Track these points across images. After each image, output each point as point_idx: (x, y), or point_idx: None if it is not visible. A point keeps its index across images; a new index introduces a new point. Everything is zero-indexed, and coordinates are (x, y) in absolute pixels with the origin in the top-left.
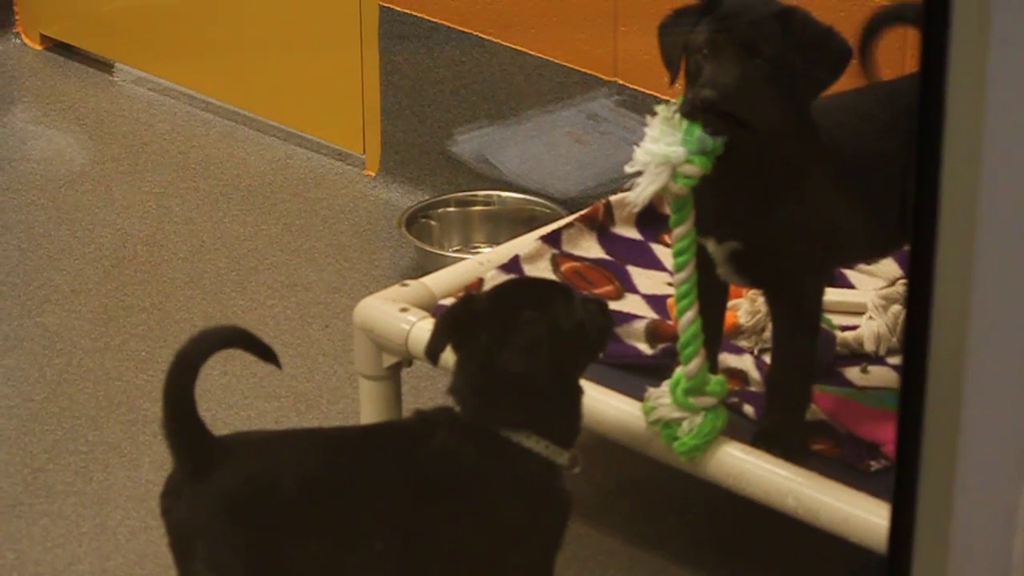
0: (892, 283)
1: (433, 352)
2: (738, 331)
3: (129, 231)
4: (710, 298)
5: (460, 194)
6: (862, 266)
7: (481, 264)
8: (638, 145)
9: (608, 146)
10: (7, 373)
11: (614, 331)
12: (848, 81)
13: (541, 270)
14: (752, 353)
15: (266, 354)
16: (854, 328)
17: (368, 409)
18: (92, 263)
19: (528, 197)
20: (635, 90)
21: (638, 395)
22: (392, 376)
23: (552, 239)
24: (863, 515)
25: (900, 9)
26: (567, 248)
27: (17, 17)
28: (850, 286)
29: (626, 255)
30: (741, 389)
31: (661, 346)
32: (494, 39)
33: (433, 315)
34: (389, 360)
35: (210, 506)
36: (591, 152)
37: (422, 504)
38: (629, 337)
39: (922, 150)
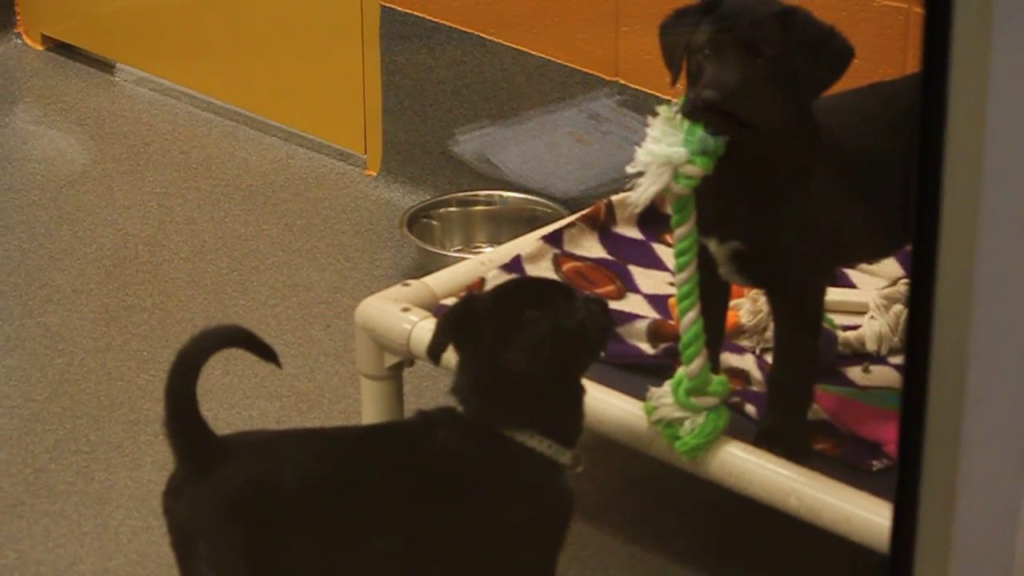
0: (894, 283)
1: (435, 352)
2: (740, 331)
3: (130, 231)
4: (712, 298)
5: (461, 194)
6: (864, 266)
7: (483, 264)
8: (639, 145)
9: (609, 146)
10: (9, 373)
11: (615, 331)
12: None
13: (543, 270)
14: (754, 353)
15: (267, 354)
16: (856, 328)
17: (370, 409)
18: (93, 263)
19: (529, 197)
20: (636, 90)
21: (640, 395)
22: (394, 376)
23: (554, 239)
24: (865, 514)
25: None
26: (568, 248)
27: (18, 17)
28: (852, 286)
29: (627, 255)
30: (743, 389)
31: (663, 346)
32: (495, 39)
33: (435, 315)
34: (391, 360)
35: (212, 505)
36: (592, 152)
37: (425, 504)
38: (631, 337)
39: (924, 150)
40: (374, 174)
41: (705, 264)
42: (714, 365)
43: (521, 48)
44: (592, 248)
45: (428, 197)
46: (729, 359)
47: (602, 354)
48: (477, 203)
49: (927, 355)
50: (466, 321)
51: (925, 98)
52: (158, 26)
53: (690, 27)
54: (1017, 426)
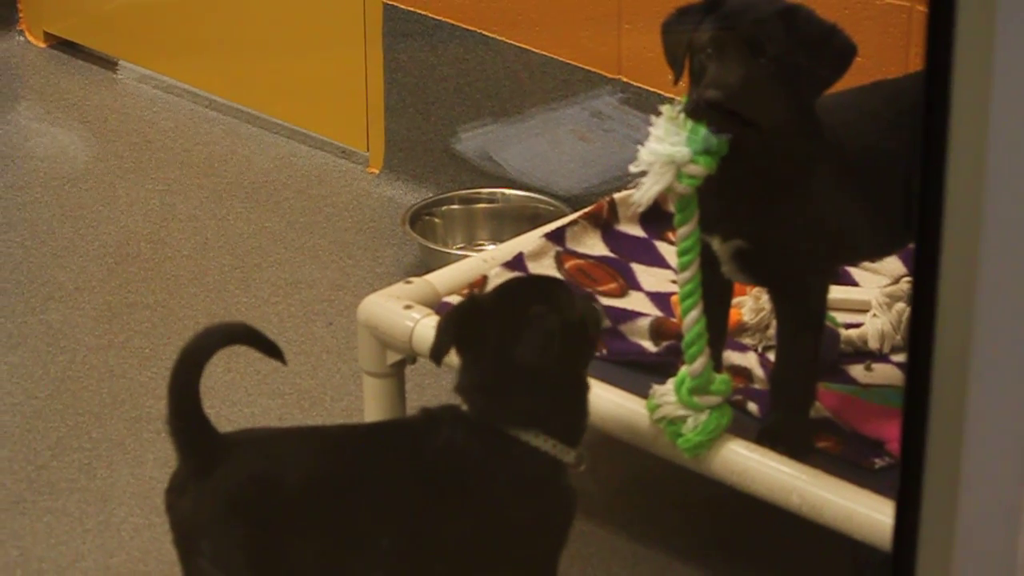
0: (896, 281)
1: (438, 354)
2: (742, 328)
3: (133, 228)
4: (714, 296)
5: (464, 191)
6: (866, 264)
7: (485, 262)
8: (642, 144)
9: (612, 144)
10: (11, 370)
11: (618, 329)
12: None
13: (545, 268)
14: (756, 351)
15: (271, 350)
16: (858, 326)
17: (372, 406)
18: (96, 260)
19: (532, 195)
20: (639, 88)
21: (642, 392)
22: (396, 373)
23: (556, 237)
24: (867, 512)
25: None
26: (571, 246)
27: (21, 15)
28: (854, 284)
29: (630, 253)
30: (745, 387)
31: (665, 343)
32: (498, 37)
33: (437, 312)
34: (393, 357)
35: (214, 503)
36: (595, 150)
37: (429, 502)
38: (633, 335)
39: (927, 148)
40: (376, 171)
41: (707, 262)
42: (716, 363)
43: (524, 46)
44: (594, 246)
45: (430, 195)
46: (731, 357)
47: (603, 351)
48: (479, 201)
49: (929, 353)
50: (469, 322)
51: (928, 96)
52: (161, 23)
53: (692, 26)
54: (1020, 424)
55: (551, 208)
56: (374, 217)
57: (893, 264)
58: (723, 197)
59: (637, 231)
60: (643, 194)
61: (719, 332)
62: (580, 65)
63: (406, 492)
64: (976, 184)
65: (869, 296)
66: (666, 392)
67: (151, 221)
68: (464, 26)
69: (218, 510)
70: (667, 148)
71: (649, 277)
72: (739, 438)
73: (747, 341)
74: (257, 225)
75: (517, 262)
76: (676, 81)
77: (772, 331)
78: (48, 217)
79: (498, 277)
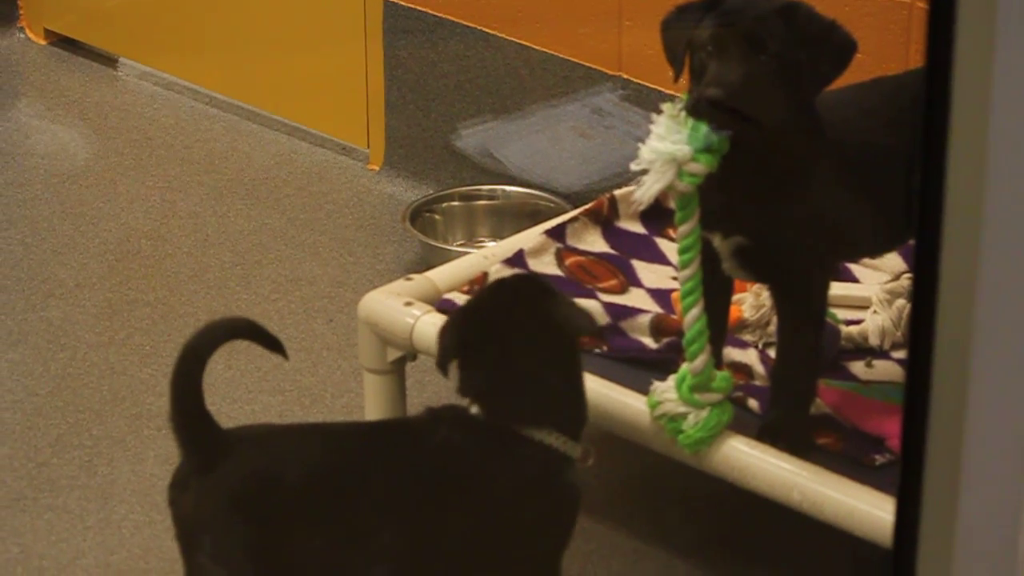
0: (897, 277)
1: (444, 363)
2: (743, 325)
3: (133, 226)
4: (714, 293)
5: (464, 188)
6: (867, 260)
7: (485, 258)
8: (643, 141)
9: (612, 141)
10: (12, 367)
11: (618, 325)
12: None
13: (545, 264)
14: (756, 347)
15: (274, 345)
16: (859, 322)
17: (372, 403)
18: (96, 258)
19: (532, 191)
20: (639, 85)
21: (642, 389)
22: (396, 370)
23: (556, 233)
24: (868, 509)
25: None
26: (571, 242)
27: (21, 12)
28: (854, 280)
29: (630, 249)
30: (746, 383)
31: (665, 340)
32: (498, 33)
33: (438, 309)
34: (393, 354)
35: (216, 499)
36: (595, 146)
37: (438, 501)
38: (633, 331)
39: (927, 144)
40: (377, 168)
41: (708, 259)
42: (717, 360)
43: (524, 43)
44: (595, 243)
45: (431, 191)
46: (732, 354)
47: (604, 347)
48: (480, 197)
49: (930, 349)
50: (469, 327)
51: (928, 93)
52: (161, 21)
53: (692, 23)
54: (1021, 420)
55: (551, 205)
56: (374, 214)
57: (893, 260)
58: (724, 194)
59: (638, 228)
60: (644, 192)
61: (719, 329)
62: (581, 62)
63: (413, 491)
64: (976, 180)
65: (870, 292)
66: (667, 389)
67: (151, 218)
68: (464, 23)
69: (220, 506)
70: (668, 146)
71: (650, 274)
72: (740, 434)
73: (748, 338)
74: (257, 222)
75: (517, 259)
76: (676, 79)
77: (773, 328)
78: (48, 214)
79: (498, 274)
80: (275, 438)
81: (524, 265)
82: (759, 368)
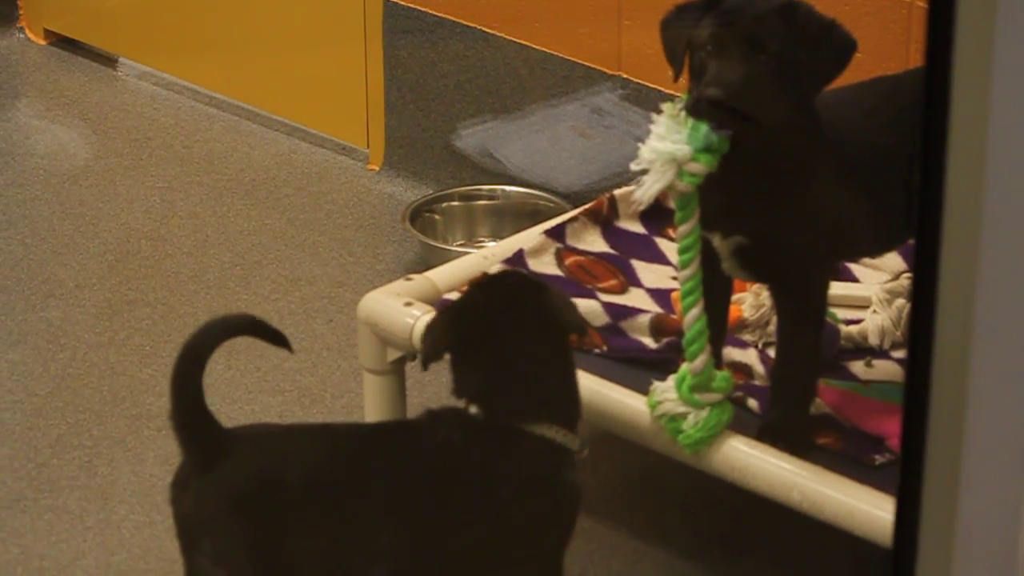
0: (896, 277)
1: (428, 361)
2: (742, 325)
3: (133, 226)
4: (714, 293)
5: (464, 188)
6: (866, 260)
7: (485, 258)
8: (643, 141)
9: (612, 140)
10: (11, 368)
11: (618, 325)
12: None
13: (545, 264)
14: (756, 347)
15: (276, 338)
16: (858, 322)
17: (372, 403)
18: (96, 258)
19: (532, 191)
20: (639, 84)
21: (643, 389)
22: (396, 370)
23: (556, 233)
24: (868, 509)
25: None
26: (571, 242)
27: (21, 12)
28: (854, 280)
29: (630, 249)
30: (745, 383)
31: (665, 340)
32: (498, 33)
33: (437, 310)
34: (393, 354)
35: (217, 499)
36: (595, 146)
37: (440, 502)
38: (633, 331)
39: (927, 144)
40: (376, 168)
41: (707, 259)
42: (717, 360)
43: (524, 42)
44: (595, 242)
45: (430, 191)
46: (732, 353)
47: (604, 347)
48: (479, 197)
49: (930, 349)
50: (461, 326)
51: (928, 92)
52: (161, 21)
53: (692, 23)
54: (1020, 420)
55: (551, 205)
56: (374, 214)
57: (893, 260)
58: (723, 194)
59: (637, 227)
60: (644, 192)
61: (719, 329)
62: (580, 61)
63: (415, 492)
64: (976, 180)
65: (869, 292)
66: (667, 389)
67: (151, 218)
68: (464, 22)
69: (220, 506)
70: (668, 146)
71: (649, 273)
72: (740, 434)
73: (747, 337)
74: (257, 222)
75: (517, 259)
76: (676, 78)
77: (772, 327)
78: (48, 214)
79: None
80: (276, 438)
81: (524, 265)
82: (759, 368)
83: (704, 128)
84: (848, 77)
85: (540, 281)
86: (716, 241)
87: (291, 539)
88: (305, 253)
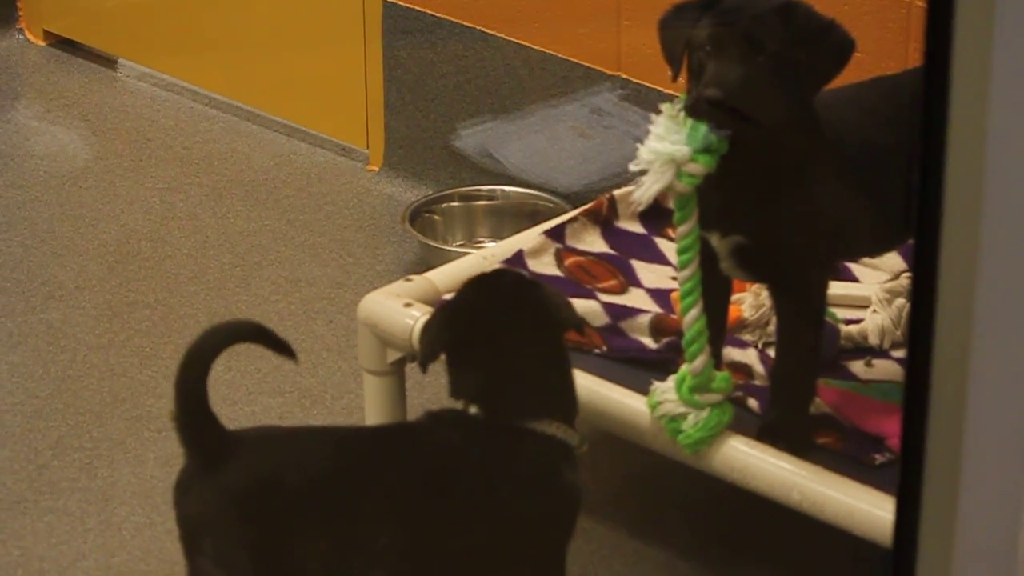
0: (896, 276)
1: (426, 362)
2: (742, 325)
3: (133, 227)
4: (713, 292)
5: (464, 189)
6: (866, 260)
7: (485, 259)
8: (642, 142)
9: (611, 140)
10: (11, 369)
11: (618, 325)
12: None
13: (545, 265)
14: (756, 347)
15: (280, 347)
16: (858, 322)
17: (372, 404)
18: (96, 259)
19: (532, 192)
20: (639, 84)
21: (642, 389)
22: (396, 371)
23: (556, 234)
24: (868, 509)
25: None
26: (571, 243)
27: (21, 13)
28: (854, 280)
29: (630, 249)
30: (745, 383)
31: (665, 340)
32: (497, 34)
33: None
34: (393, 355)
35: (219, 501)
36: (594, 146)
37: (444, 503)
38: (633, 331)
39: (926, 144)
40: (376, 169)
41: (707, 258)
42: (716, 360)
43: (523, 43)
44: (594, 243)
45: (430, 192)
46: (731, 353)
47: (603, 347)
48: (479, 198)
49: (929, 349)
50: (457, 326)
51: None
52: (160, 22)
53: (690, 22)
54: (1020, 419)
55: (551, 205)
56: (374, 215)
57: (893, 260)
58: (722, 193)
59: (637, 228)
60: (643, 193)
61: (719, 328)
62: (579, 62)
63: (418, 494)
64: (975, 180)
65: (869, 292)
66: (667, 389)
67: (151, 219)
68: (463, 23)
69: (224, 509)
70: (667, 147)
71: (649, 274)
72: (739, 434)
73: (747, 337)
74: (257, 223)
75: (517, 259)
76: (674, 79)
77: (772, 327)
78: (48, 216)
79: None
80: (279, 441)
81: (524, 266)
82: (759, 368)
83: (703, 129)
84: (848, 77)
85: (528, 277)
86: (715, 240)
87: (294, 542)
88: (305, 254)
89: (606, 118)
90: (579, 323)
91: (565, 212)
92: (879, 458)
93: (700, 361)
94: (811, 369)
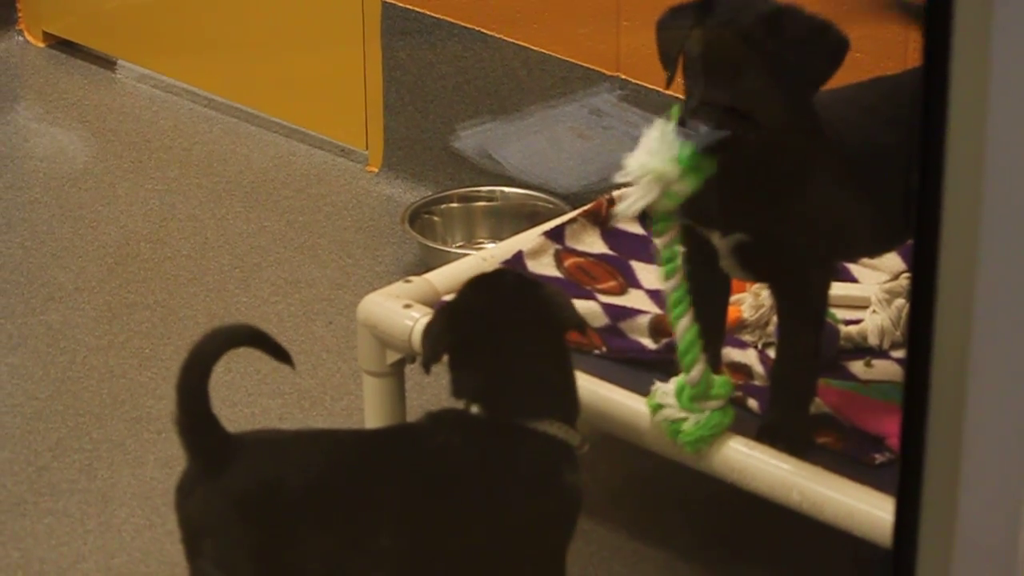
0: (896, 277)
1: (430, 363)
2: (742, 325)
3: (132, 228)
4: (713, 292)
5: (463, 190)
6: (865, 260)
7: (484, 260)
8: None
9: (611, 141)
10: (11, 371)
11: (617, 326)
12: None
13: (544, 266)
14: (756, 347)
15: (279, 353)
16: (858, 322)
17: (372, 406)
18: (95, 260)
19: (531, 192)
20: (638, 85)
21: (642, 390)
22: (396, 372)
23: (555, 234)
24: (868, 509)
25: None
26: (570, 243)
27: (20, 14)
28: (853, 280)
29: (629, 250)
30: (745, 384)
31: (664, 340)
32: (497, 34)
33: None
34: (393, 356)
35: (221, 505)
36: (594, 147)
37: (446, 504)
38: (632, 332)
39: (926, 144)
40: (375, 170)
41: (706, 258)
42: (716, 361)
43: (522, 43)
44: (594, 244)
45: (430, 193)
46: (731, 354)
47: (603, 348)
48: (478, 199)
49: (929, 349)
50: (459, 326)
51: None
52: (160, 23)
53: (686, 26)
54: (1020, 420)
55: (550, 206)
56: (373, 216)
57: (892, 260)
58: (723, 192)
59: (636, 228)
60: (628, 207)
61: (718, 329)
62: (579, 62)
63: (420, 496)
64: (975, 180)
65: (869, 292)
66: (667, 393)
67: (150, 221)
68: (463, 24)
69: (224, 512)
70: (657, 164)
71: (648, 274)
72: (739, 435)
73: (747, 338)
74: (256, 224)
75: (516, 260)
76: (669, 82)
77: (772, 328)
78: (47, 217)
79: None
80: (281, 444)
81: (523, 266)
82: (758, 368)
83: (692, 148)
84: (848, 77)
85: (529, 276)
86: (715, 239)
87: (297, 545)
88: (304, 255)
89: (605, 119)
90: (581, 323)
91: (564, 213)
92: (879, 458)
93: (697, 371)
94: (811, 369)
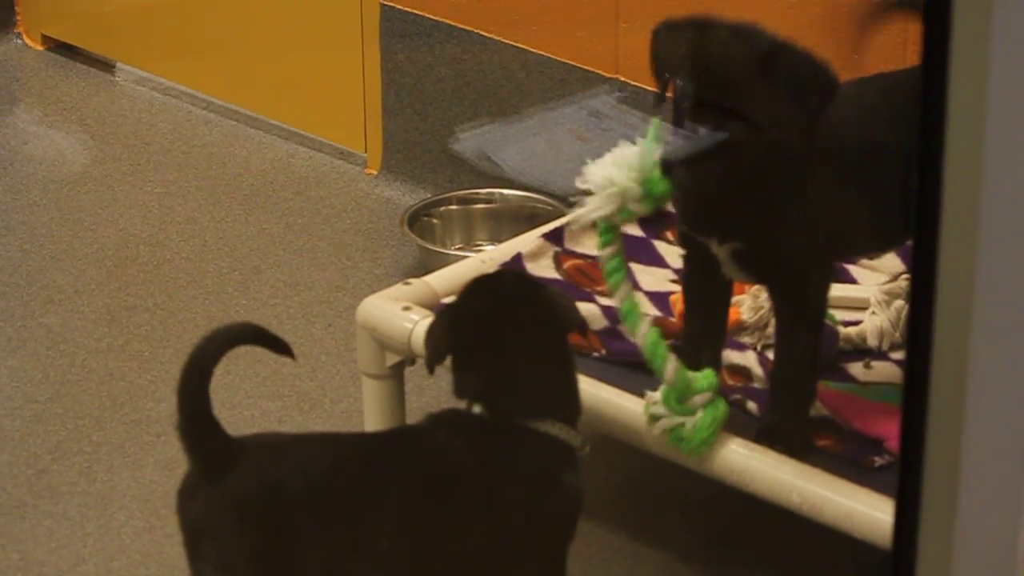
0: (895, 278)
1: (433, 363)
2: (741, 327)
3: (131, 231)
4: (713, 296)
5: (462, 192)
6: (865, 261)
7: (483, 262)
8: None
9: (610, 143)
10: (11, 374)
11: (617, 328)
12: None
13: (543, 268)
14: (755, 349)
15: (279, 346)
16: (857, 323)
17: (371, 408)
18: (95, 263)
19: (530, 195)
20: (636, 87)
21: (641, 392)
22: (395, 375)
23: (554, 237)
24: (867, 511)
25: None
26: (569, 246)
27: (18, 17)
28: (853, 281)
29: (628, 252)
30: (744, 386)
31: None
32: (495, 37)
33: (436, 314)
34: (392, 359)
35: (222, 508)
36: (593, 149)
37: (448, 506)
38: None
39: (924, 143)
40: (374, 173)
41: (705, 262)
42: (716, 363)
43: (521, 46)
44: (593, 246)
45: (429, 195)
46: (731, 356)
47: (602, 351)
48: (477, 201)
49: (928, 350)
50: (462, 326)
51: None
52: (158, 26)
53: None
54: (1019, 421)
55: (549, 208)
56: (372, 218)
57: (892, 261)
58: (720, 198)
59: (635, 230)
60: (584, 216)
61: (719, 332)
62: (577, 64)
63: (423, 498)
64: (974, 180)
65: (868, 294)
66: (658, 401)
67: (149, 223)
68: (461, 26)
69: (225, 516)
70: (622, 179)
71: (647, 276)
72: (739, 437)
73: (746, 340)
74: (255, 227)
75: (515, 262)
76: (660, 99)
77: (771, 330)
78: (46, 220)
79: None
80: (283, 447)
81: (522, 268)
82: (758, 370)
83: (658, 173)
84: (846, 76)
85: (531, 277)
86: (714, 246)
87: (300, 548)
88: (303, 258)
89: (604, 121)
90: (583, 324)
91: (563, 215)
92: (878, 460)
93: (670, 370)
94: (810, 371)
